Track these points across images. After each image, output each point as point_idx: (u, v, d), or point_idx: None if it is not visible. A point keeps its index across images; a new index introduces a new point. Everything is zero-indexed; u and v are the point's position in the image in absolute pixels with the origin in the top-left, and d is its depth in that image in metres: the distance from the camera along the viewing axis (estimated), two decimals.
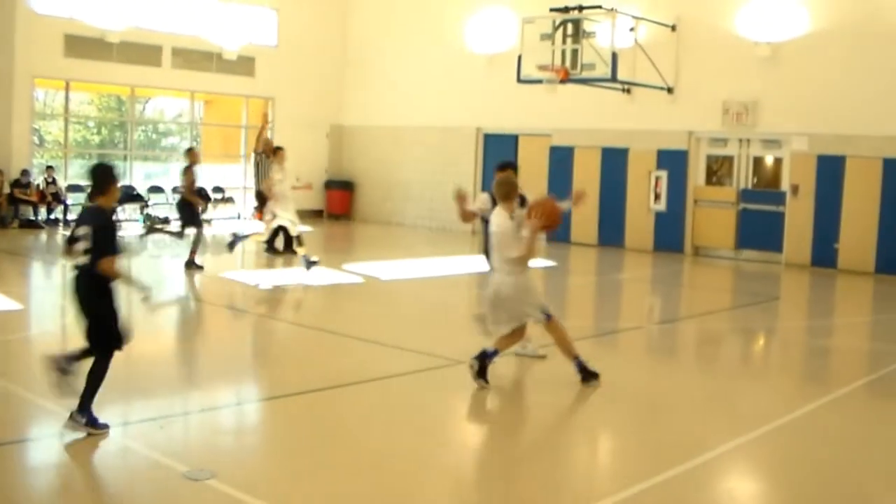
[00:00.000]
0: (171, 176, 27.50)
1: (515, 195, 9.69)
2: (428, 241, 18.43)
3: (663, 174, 23.07)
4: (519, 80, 22.05)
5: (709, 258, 22.53)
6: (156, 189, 26.24)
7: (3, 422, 8.11)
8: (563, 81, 21.09)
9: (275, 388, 9.75)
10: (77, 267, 7.59)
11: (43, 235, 22.39)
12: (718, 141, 22.68)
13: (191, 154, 17.68)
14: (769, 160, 22.31)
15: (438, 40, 27.20)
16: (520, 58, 21.91)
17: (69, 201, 24.25)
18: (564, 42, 21.42)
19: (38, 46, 23.69)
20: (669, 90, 22.52)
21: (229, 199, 27.60)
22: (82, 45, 24.48)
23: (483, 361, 9.45)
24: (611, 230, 23.81)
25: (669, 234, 23.04)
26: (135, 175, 26.72)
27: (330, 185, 29.64)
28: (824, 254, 20.70)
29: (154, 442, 7.65)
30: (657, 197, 23.15)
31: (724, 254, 22.51)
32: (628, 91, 23.02)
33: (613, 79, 20.90)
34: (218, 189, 27.26)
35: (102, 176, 7.74)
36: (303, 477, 6.95)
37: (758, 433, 8.39)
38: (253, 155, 19.30)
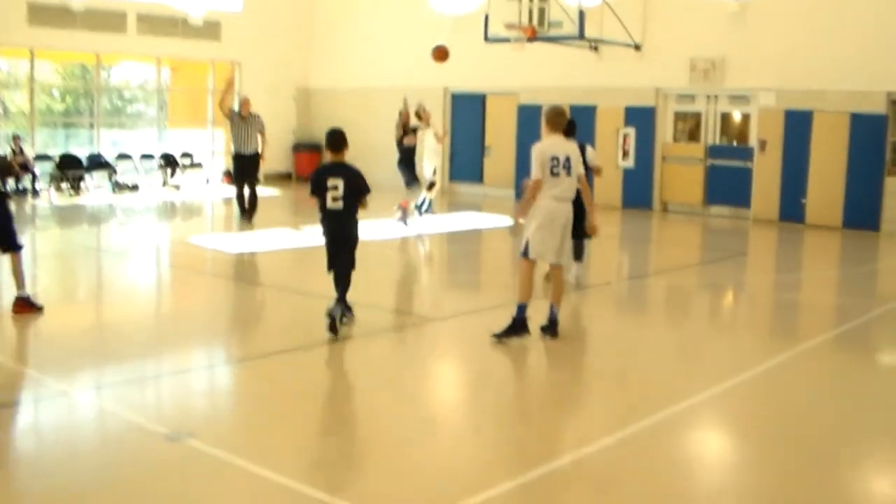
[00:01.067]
0: (138, 143, 27.39)
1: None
2: (396, 201, 18.45)
3: (631, 131, 23.12)
4: (486, 40, 22.00)
5: (677, 214, 22.64)
6: (123, 156, 26.06)
7: None
8: (530, 40, 21.04)
9: (251, 349, 9.80)
10: (333, 210, 9.75)
11: (11, 205, 22.17)
12: (686, 97, 22.73)
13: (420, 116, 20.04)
14: (737, 116, 22.38)
15: (405, 0, 27.06)
16: (487, 17, 21.85)
17: (37, 170, 24.05)
18: (531, 0, 21.35)
19: (1, 15, 23.42)
20: (637, 47, 22.52)
21: (198, 165, 27.44)
22: (46, 13, 24.20)
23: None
24: None
25: (638, 191, 23.12)
26: (102, 143, 26.50)
27: (298, 147, 29.54)
28: (792, 209, 20.82)
29: (133, 404, 7.69)
30: (625, 154, 23.21)
31: (692, 210, 22.61)
32: (596, 49, 23.00)
33: (581, 36, 20.85)
34: (186, 155, 27.13)
35: (343, 138, 9.88)
36: (281, 435, 7.00)
37: (726, 385, 8.50)
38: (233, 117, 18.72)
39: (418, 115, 19.94)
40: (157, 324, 11.17)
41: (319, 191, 9.83)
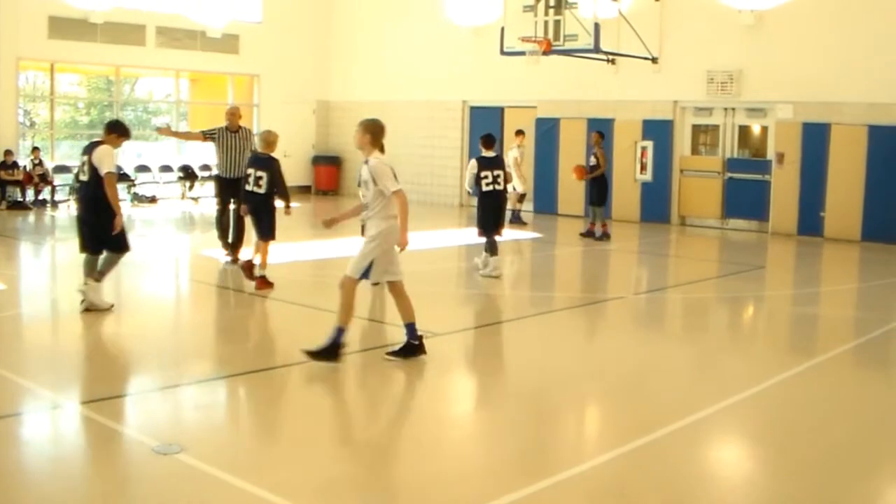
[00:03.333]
0: (159, 155, 27.54)
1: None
2: (416, 215, 18.43)
3: (649, 144, 23.10)
4: (502, 53, 22.05)
5: (695, 228, 22.62)
6: (143, 168, 26.19)
7: None
8: (545, 53, 21.07)
9: (247, 363, 9.77)
10: None
11: (31, 216, 22.37)
12: (703, 110, 22.71)
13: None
14: (755, 129, 22.35)
15: (422, 14, 27.18)
16: (503, 30, 21.91)
17: (56, 182, 24.22)
18: (547, 13, 21.38)
19: (22, 28, 23.67)
20: (654, 60, 22.51)
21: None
22: (66, 27, 24.42)
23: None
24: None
25: (656, 205, 23.09)
26: (125, 155, 26.64)
27: (317, 160, 29.66)
28: (810, 222, 20.76)
29: (123, 417, 7.75)
30: (643, 167, 23.19)
31: (710, 223, 22.60)
32: (613, 62, 23.02)
33: (596, 49, 20.88)
34: (205, 167, 27.23)
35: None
36: (270, 452, 7.01)
37: (741, 397, 8.49)
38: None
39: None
40: (163, 336, 11.16)
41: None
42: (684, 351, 10.77)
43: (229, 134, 15.15)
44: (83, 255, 11.42)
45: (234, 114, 15.44)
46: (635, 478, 6.53)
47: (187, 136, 17.42)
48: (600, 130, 20.15)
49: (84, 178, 11.30)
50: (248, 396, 8.66)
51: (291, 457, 6.83)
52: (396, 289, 9.50)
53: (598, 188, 19.64)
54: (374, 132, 9.39)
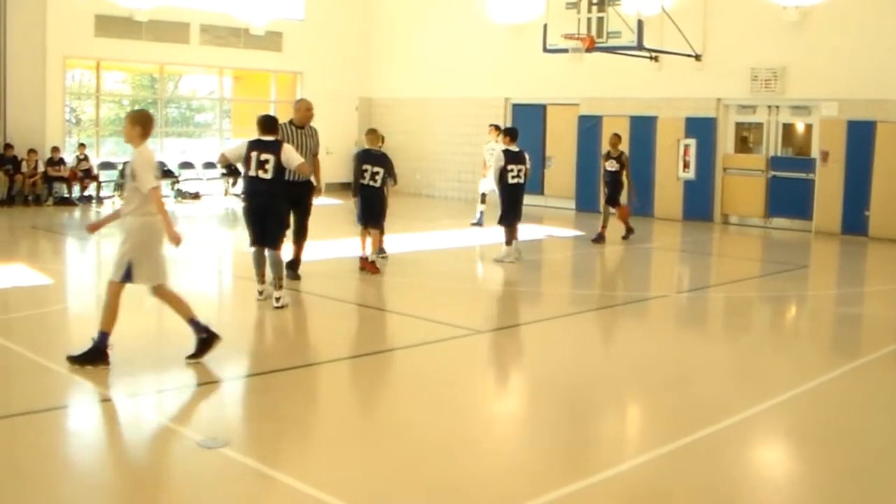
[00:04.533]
0: (202, 151, 27.71)
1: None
2: (457, 212, 18.47)
3: (692, 142, 22.99)
4: (545, 50, 22.01)
5: (738, 226, 22.50)
6: (186, 165, 26.38)
7: (23, 391, 8.32)
8: (589, 50, 21.00)
9: (293, 358, 9.84)
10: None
11: (77, 212, 22.60)
12: (747, 108, 22.58)
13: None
14: (799, 127, 22.19)
15: (464, 11, 27.18)
16: (545, 27, 21.88)
17: (102, 178, 24.46)
18: (590, 10, 21.27)
19: (69, 27, 23.91)
20: (697, 57, 22.41)
21: None
22: (112, 25, 24.65)
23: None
24: (639, 199, 23.71)
25: (698, 203, 22.98)
26: (167, 151, 26.88)
27: None
28: (855, 221, 20.57)
29: (168, 411, 7.87)
30: (686, 165, 23.09)
31: (753, 222, 22.46)
32: (656, 59, 22.92)
33: (640, 46, 20.80)
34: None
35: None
36: (315, 445, 7.08)
37: (784, 398, 8.45)
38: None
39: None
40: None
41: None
42: (726, 350, 10.73)
43: (295, 130, 13.30)
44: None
45: (308, 109, 13.53)
46: (677, 478, 6.53)
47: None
48: (617, 132, 19.85)
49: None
50: (293, 391, 8.71)
51: (336, 452, 6.89)
52: (160, 292, 9.14)
53: (615, 187, 19.18)
54: (143, 123, 8.86)
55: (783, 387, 8.84)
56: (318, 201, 13.57)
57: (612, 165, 19.08)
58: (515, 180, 15.76)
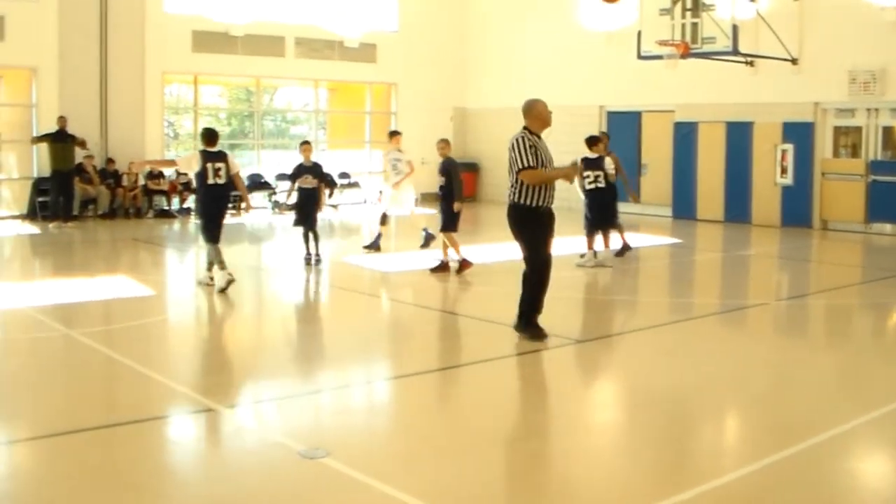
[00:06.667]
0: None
1: None
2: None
3: (789, 147, 22.69)
4: (639, 57, 21.92)
5: (838, 232, 22.12)
6: (283, 176, 26.68)
7: (124, 401, 8.52)
8: (683, 56, 20.89)
9: (393, 368, 9.98)
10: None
11: (176, 224, 23.04)
12: (845, 111, 22.21)
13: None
14: None
15: (558, 19, 27.18)
16: (639, 34, 21.78)
17: None
18: (684, 16, 21.20)
19: (167, 43, 24.47)
20: (794, 61, 22.11)
21: (355, 184, 27.93)
22: (209, 40, 25.15)
23: None
24: (737, 205, 23.54)
25: (797, 209, 22.67)
26: (265, 163, 27.28)
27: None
28: None
29: (270, 421, 7.98)
30: (783, 171, 22.79)
31: (853, 227, 22.07)
32: (751, 63, 22.67)
33: (735, 51, 20.62)
34: (344, 174, 27.66)
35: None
36: (417, 457, 7.09)
37: (888, 409, 8.28)
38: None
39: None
40: (306, 342, 11.46)
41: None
42: (828, 359, 10.58)
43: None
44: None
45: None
46: (778, 491, 6.44)
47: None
48: (604, 131, 18.74)
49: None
50: (393, 401, 8.81)
51: (438, 462, 6.93)
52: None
53: (608, 202, 16.57)
54: None
55: (888, 397, 8.69)
56: None
57: (594, 179, 16.36)
58: (593, 185, 16.22)
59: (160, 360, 10.16)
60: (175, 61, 24.96)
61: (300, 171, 16.26)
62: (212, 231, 13.69)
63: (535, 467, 6.86)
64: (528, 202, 10.68)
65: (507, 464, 6.89)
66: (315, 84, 28.50)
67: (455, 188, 15.35)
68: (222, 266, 13.35)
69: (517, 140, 10.84)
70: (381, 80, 29.02)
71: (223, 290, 13.23)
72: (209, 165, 13.42)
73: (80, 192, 22.97)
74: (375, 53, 28.41)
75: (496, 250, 17.18)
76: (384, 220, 17.87)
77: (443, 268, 15.31)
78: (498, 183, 29.09)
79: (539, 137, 11.13)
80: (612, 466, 7.04)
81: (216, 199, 13.78)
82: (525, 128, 11.11)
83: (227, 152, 14.15)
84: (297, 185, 16.27)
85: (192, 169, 13.64)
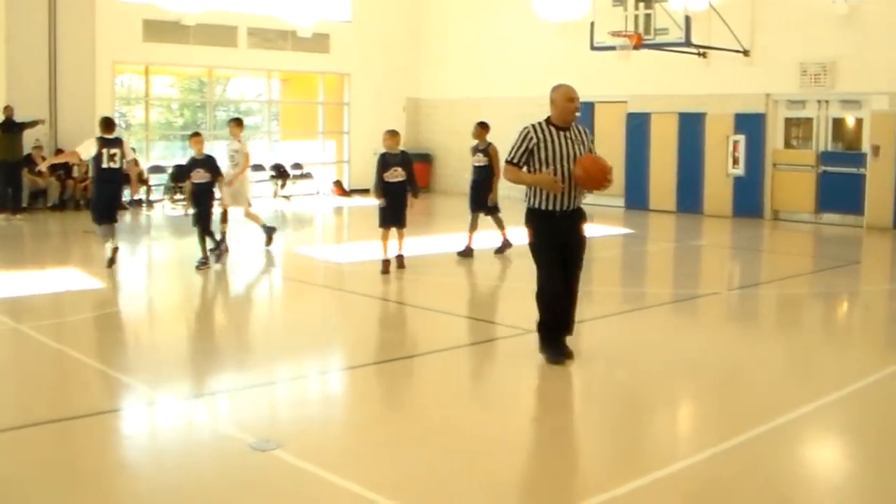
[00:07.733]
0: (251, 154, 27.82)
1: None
2: (504, 211, 18.42)
3: (741, 138, 22.84)
4: (592, 48, 21.97)
5: (789, 222, 22.31)
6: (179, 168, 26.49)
7: (75, 395, 8.43)
8: (636, 47, 20.97)
9: (342, 359, 9.96)
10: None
11: (127, 216, 22.81)
12: (796, 103, 22.39)
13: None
14: (849, 121, 21.97)
15: (510, 10, 27.18)
16: (592, 24, 21.84)
17: (152, 182, 24.69)
18: (637, 7, 21.28)
19: (117, 32, 24.18)
20: (745, 52, 22.26)
21: (307, 175, 27.81)
22: (160, 30, 24.89)
23: None
24: (689, 196, 23.67)
25: (748, 199, 22.83)
26: (218, 154, 26.99)
27: None
28: None
29: (221, 414, 7.93)
30: (735, 161, 22.94)
31: (804, 218, 22.26)
32: (704, 55, 22.77)
33: (687, 43, 20.73)
34: (296, 165, 27.55)
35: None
36: (369, 449, 7.06)
37: (839, 395, 8.37)
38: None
39: None
40: (258, 333, 11.42)
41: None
42: (779, 348, 10.65)
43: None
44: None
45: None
46: (732, 477, 6.49)
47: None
48: (483, 121, 17.83)
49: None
50: (345, 392, 8.77)
51: (390, 453, 6.90)
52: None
53: (485, 186, 16.54)
54: None
55: (838, 384, 8.76)
56: None
57: (479, 160, 16.71)
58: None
59: (111, 353, 10.07)
60: (126, 51, 24.67)
61: (193, 164, 15.22)
62: (100, 211, 14.63)
63: (488, 457, 6.84)
64: (537, 204, 9.16)
65: (460, 454, 6.86)
66: (268, 74, 28.36)
67: (408, 181, 14.75)
68: (109, 241, 14.62)
69: (521, 130, 9.34)
70: (333, 71, 28.90)
71: (111, 264, 14.55)
72: (104, 150, 14.34)
73: (30, 184, 22.69)
74: (328, 44, 28.28)
75: (448, 241, 17.16)
76: (225, 217, 16.18)
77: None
78: (449, 173, 29.11)
79: (559, 129, 9.45)
80: (568, 455, 7.05)
81: (108, 181, 14.64)
82: (548, 117, 9.59)
83: (123, 139, 15.00)
84: (191, 179, 15.11)
85: (89, 153, 14.46)
